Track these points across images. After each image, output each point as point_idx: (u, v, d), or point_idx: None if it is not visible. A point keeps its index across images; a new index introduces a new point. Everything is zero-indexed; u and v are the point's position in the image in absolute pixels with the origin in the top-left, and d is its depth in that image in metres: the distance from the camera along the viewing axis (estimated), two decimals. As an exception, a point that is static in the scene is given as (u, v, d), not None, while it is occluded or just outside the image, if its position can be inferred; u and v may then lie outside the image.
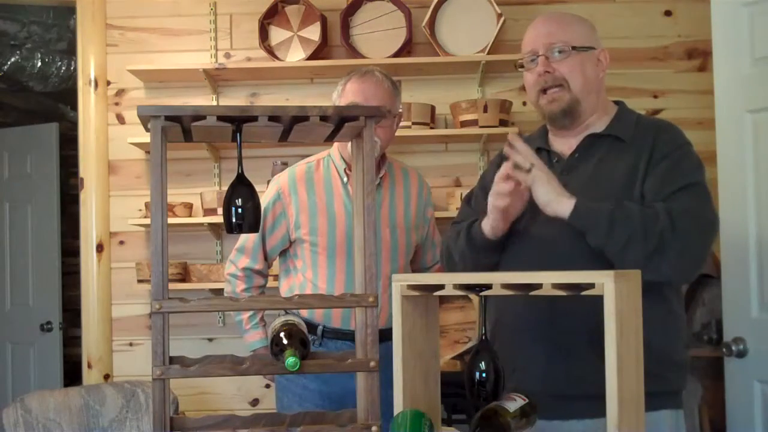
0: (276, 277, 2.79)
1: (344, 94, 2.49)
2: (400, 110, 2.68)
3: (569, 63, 1.91)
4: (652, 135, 1.91)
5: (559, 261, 1.69)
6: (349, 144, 2.47)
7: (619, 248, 1.75)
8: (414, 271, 2.72)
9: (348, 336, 2.50)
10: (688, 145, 1.92)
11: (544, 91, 1.93)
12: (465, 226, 1.98)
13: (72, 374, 5.15)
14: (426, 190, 2.73)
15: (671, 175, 1.84)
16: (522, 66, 1.99)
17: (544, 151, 2.00)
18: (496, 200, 1.83)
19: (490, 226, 1.88)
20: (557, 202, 1.78)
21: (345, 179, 2.55)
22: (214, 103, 3.78)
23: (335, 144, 2.60)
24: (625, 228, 1.74)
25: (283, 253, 2.62)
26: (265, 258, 2.61)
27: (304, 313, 2.49)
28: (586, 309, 1.53)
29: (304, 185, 2.55)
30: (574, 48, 1.91)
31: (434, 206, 2.83)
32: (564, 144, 1.99)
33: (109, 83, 3.81)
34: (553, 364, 1.83)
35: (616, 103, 2.04)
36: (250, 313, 2.64)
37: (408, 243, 2.62)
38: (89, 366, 3.72)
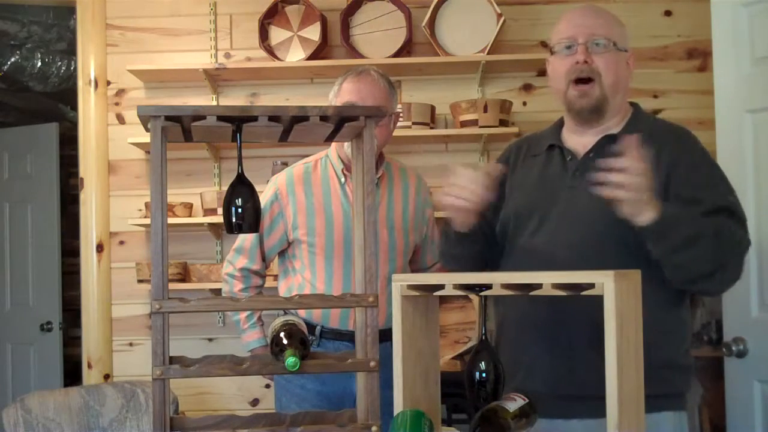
0: (276, 277, 2.79)
1: (340, 94, 2.49)
2: (399, 110, 2.68)
3: (607, 58, 1.89)
4: (672, 139, 1.90)
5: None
6: (345, 144, 2.48)
7: (683, 265, 1.76)
8: (414, 271, 2.72)
9: (346, 336, 2.50)
10: (709, 154, 1.93)
11: (575, 81, 1.90)
12: (443, 221, 2.00)
13: (72, 374, 5.15)
14: (425, 190, 2.72)
15: (713, 192, 1.83)
16: (552, 51, 1.95)
17: (557, 148, 1.98)
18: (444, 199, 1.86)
19: (453, 220, 1.90)
20: (641, 213, 1.71)
21: (342, 179, 2.55)
22: (214, 103, 3.78)
23: (333, 144, 2.60)
24: (695, 249, 1.72)
25: (282, 254, 2.62)
26: (263, 258, 2.61)
27: (303, 313, 2.49)
28: (590, 309, 1.53)
29: (302, 186, 2.55)
30: (614, 45, 1.90)
31: (434, 206, 2.83)
32: (578, 142, 1.96)
33: (109, 83, 3.81)
34: (557, 364, 1.82)
35: (631, 104, 2.02)
36: (248, 312, 2.64)
37: (406, 243, 2.61)
38: (89, 366, 3.73)
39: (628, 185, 1.66)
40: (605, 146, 1.92)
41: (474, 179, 1.81)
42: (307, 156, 2.68)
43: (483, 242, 1.98)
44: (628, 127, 1.94)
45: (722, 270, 1.77)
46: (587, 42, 1.89)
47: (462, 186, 1.82)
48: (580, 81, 1.90)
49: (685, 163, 1.86)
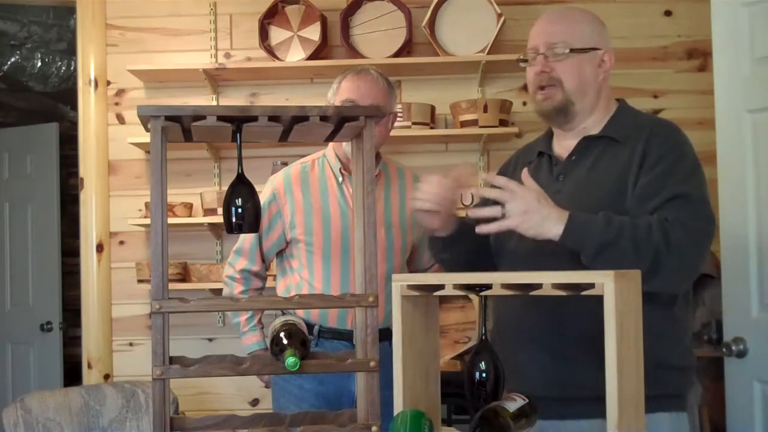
0: (275, 278, 2.79)
1: (339, 92, 2.50)
2: (398, 110, 2.68)
3: (566, 64, 1.91)
4: (647, 134, 1.88)
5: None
6: (343, 143, 2.48)
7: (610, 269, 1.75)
8: (411, 272, 2.72)
9: (344, 336, 2.50)
10: (684, 146, 1.88)
11: (540, 88, 1.94)
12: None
13: (72, 374, 5.15)
14: (421, 190, 2.72)
15: (666, 181, 1.81)
16: (525, 60, 1.99)
17: (545, 155, 2.01)
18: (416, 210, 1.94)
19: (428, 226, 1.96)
20: (545, 231, 1.76)
21: (340, 179, 2.55)
22: (214, 103, 3.78)
23: (330, 144, 2.60)
24: (614, 253, 1.73)
25: (280, 254, 2.62)
26: (263, 259, 2.61)
27: (301, 312, 2.49)
28: (587, 309, 1.53)
29: (300, 185, 2.55)
30: (573, 50, 1.91)
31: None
32: (562, 146, 1.99)
33: (109, 83, 3.81)
34: (554, 364, 1.82)
35: (618, 101, 2.02)
36: (248, 315, 2.64)
37: (404, 242, 2.62)
38: (89, 366, 3.73)
39: (508, 213, 1.74)
40: (586, 148, 1.93)
41: (440, 184, 1.89)
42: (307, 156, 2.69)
43: (469, 246, 1.98)
44: (609, 127, 1.95)
45: (661, 265, 1.74)
46: (546, 51, 1.93)
47: (428, 191, 1.89)
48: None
49: (654, 154, 1.85)
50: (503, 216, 1.76)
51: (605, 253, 1.73)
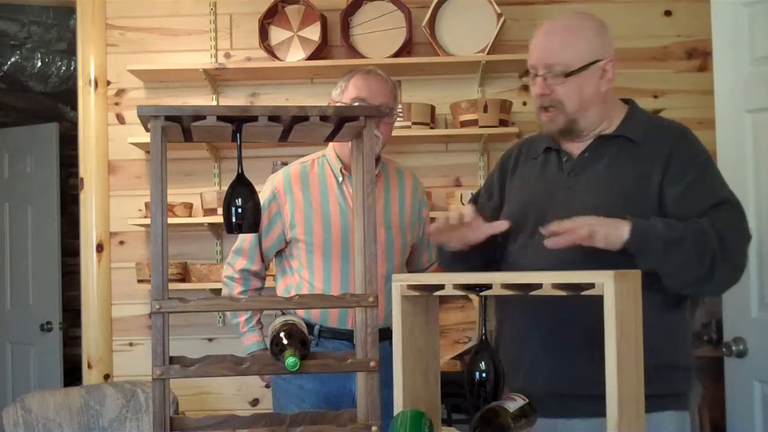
0: (275, 278, 2.79)
1: (348, 90, 2.49)
2: (398, 110, 2.68)
3: (566, 86, 1.87)
4: (671, 141, 1.89)
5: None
6: (346, 144, 2.48)
7: (672, 272, 1.76)
8: (411, 272, 2.72)
9: (344, 335, 2.50)
10: (706, 150, 1.91)
11: (544, 109, 1.91)
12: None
13: (72, 374, 5.15)
14: (420, 190, 2.72)
15: (707, 186, 1.83)
16: (527, 74, 1.97)
17: (553, 150, 1.98)
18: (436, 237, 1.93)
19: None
20: (615, 238, 1.73)
21: (340, 179, 2.55)
22: (214, 103, 3.78)
23: (330, 144, 2.60)
24: (679, 253, 1.73)
25: (279, 254, 2.62)
26: (262, 259, 2.61)
27: (301, 312, 2.49)
28: (592, 308, 1.53)
29: (300, 185, 2.55)
30: (571, 72, 1.86)
31: (431, 207, 2.83)
32: (573, 144, 1.96)
33: (109, 83, 3.81)
34: (559, 363, 1.82)
35: (627, 101, 2.01)
36: (247, 315, 2.63)
37: (403, 242, 2.62)
38: (89, 366, 3.73)
39: (582, 228, 1.71)
40: (600, 146, 1.93)
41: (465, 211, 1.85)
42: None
43: (484, 256, 1.97)
44: (624, 127, 1.94)
45: (717, 268, 1.76)
46: (545, 73, 1.88)
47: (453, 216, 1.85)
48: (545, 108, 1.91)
49: (679, 159, 1.86)
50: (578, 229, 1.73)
51: (670, 252, 1.73)
